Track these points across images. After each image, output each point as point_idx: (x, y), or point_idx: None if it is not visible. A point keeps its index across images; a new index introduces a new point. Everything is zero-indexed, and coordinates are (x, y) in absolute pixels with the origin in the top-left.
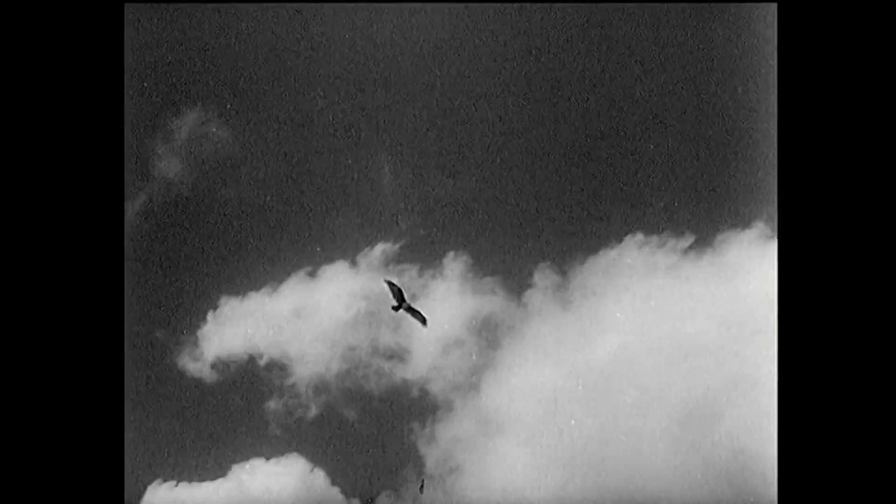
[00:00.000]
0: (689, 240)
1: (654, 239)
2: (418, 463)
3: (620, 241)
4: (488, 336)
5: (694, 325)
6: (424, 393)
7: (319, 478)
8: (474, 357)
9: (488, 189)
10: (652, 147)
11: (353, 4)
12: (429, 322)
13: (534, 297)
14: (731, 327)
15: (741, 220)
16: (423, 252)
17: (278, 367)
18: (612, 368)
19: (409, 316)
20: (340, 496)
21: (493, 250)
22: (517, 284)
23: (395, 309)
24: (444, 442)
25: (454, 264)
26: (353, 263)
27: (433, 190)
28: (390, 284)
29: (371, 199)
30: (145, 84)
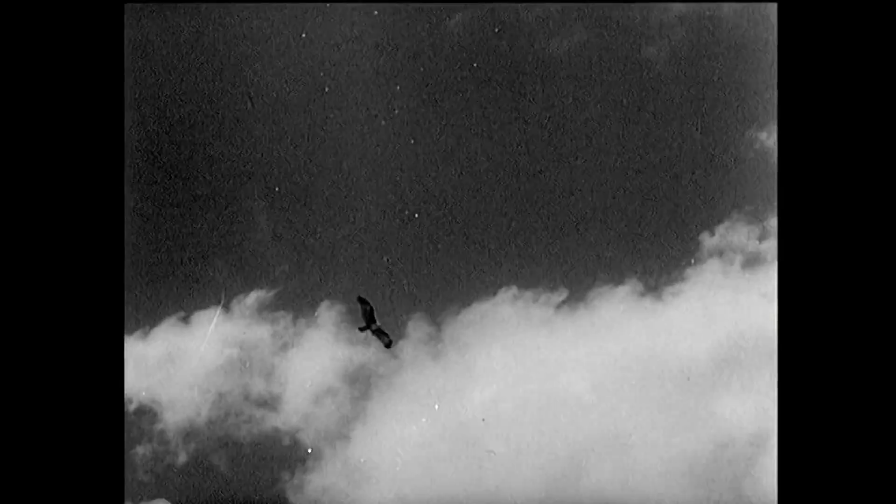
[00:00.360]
0: (562, 294)
1: (529, 293)
2: None
3: (495, 294)
4: (360, 386)
5: (564, 380)
6: (295, 442)
7: None
8: (346, 407)
9: (363, 238)
10: (528, 200)
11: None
12: (393, 345)
13: (406, 347)
14: (600, 383)
15: (614, 276)
16: (298, 300)
17: (148, 413)
18: (483, 421)
19: (282, 365)
20: None
21: (368, 300)
22: (391, 335)
23: (362, 330)
24: (312, 491)
25: (328, 313)
26: (227, 310)
27: (308, 238)
28: (362, 302)
29: (246, 245)
30: None
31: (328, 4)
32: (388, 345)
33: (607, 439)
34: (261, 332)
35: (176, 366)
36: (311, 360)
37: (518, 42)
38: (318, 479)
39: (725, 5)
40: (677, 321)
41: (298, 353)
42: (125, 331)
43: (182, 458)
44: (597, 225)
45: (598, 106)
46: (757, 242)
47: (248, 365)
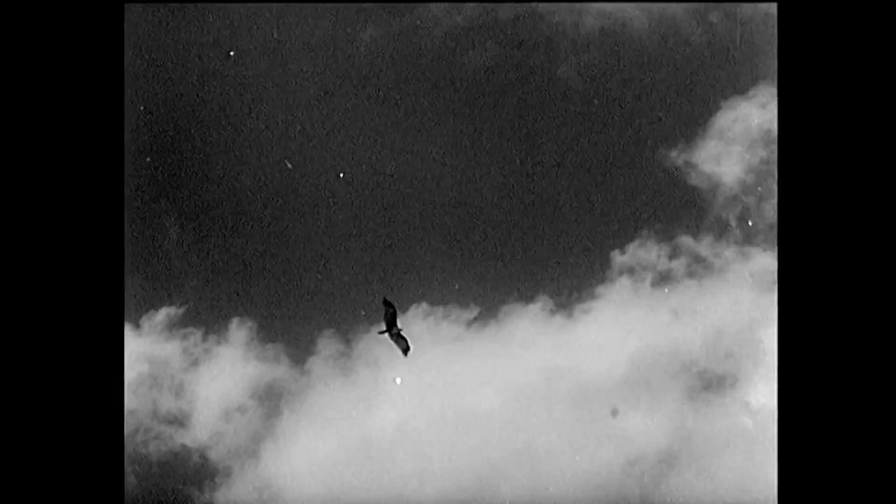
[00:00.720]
0: (473, 312)
1: (440, 310)
2: None
3: (405, 311)
4: (270, 403)
5: (476, 397)
6: (204, 459)
7: None
8: (256, 424)
9: (273, 254)
10: (439, 217)
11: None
12: (410, 353)
13: (316, 364)
14: (511, 399)
15: (525, 294)
16: (208, 317)
17: None
18: (394, 438)
19: (192, 381)
20: None
21: (278, 317)
22: (301, 351)
23: (381, 333)
24: None
25: (239, 330)
26: (137, 326)
27: (219, 254)
28: (387, 305)
29: (155, 261)
30: None
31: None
32: (405, 351)
33: (518, 455)
34: (170, 349)
35: None
36: (221, 377)
37: (430, 57)
38: (226, 496)
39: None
40: (588, 338)
41: (208, 369)
42: None
43: None
44: (508, 242)
45: (511, 123)
46: (667, 260)
47: (157, 381)
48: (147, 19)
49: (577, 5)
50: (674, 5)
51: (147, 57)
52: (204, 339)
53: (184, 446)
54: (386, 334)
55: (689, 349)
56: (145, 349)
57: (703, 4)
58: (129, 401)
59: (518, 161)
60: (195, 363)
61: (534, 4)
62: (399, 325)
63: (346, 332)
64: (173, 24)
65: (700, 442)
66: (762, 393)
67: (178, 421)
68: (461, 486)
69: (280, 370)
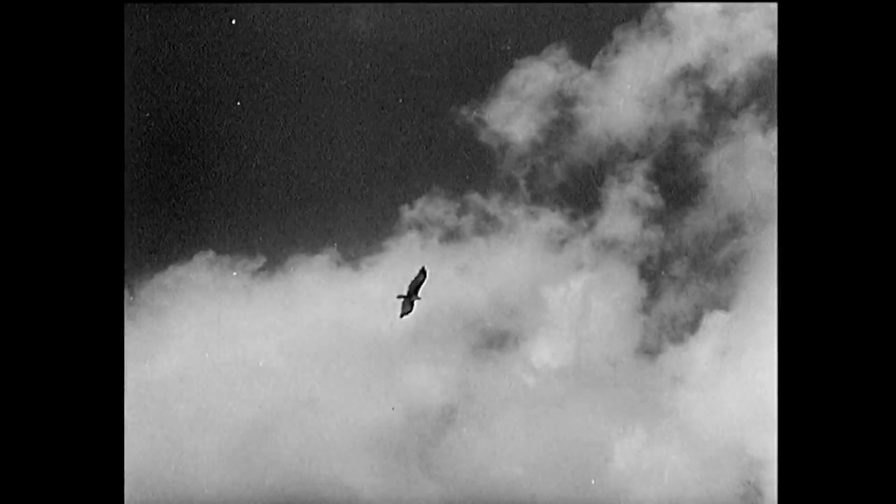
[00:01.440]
0: (260, 262)
1: (226, 259)
2: None
3: (191, 258)
4: None
5: (257, 347)
6: None
7: None
8: None
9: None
10: (225, 164)
11: None
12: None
13: None
14: (293, 351)
15: (312, 245)
16: None
17: None
18: (172, 386)
19: None
20: None
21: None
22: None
23: (400, 297)
24: None
25: None
26: None
27: None
28: (422, 273)
29: None
30: None
31: None
32: (403, 315)
33: (299, 407)
34: None
35: None
36: None
37: (209, 11)
38: None
39: None
40: (374, 292)
41: None
42: None
43: None
44: (296, 192)
45: (302, 75)
46: (455, 217)
47: None
48: (147, 19)
49: None
50: None
51: (147, 57)
52: None
53: None
54: (403, 298)
55: (474, 306)
56: None
57: None
58: None
59: (310, 112)
60: None
61: None
62: (419, 294)
63: (129, 278)
64: (173, 24)
65: (482, 399)
66: (544, 351)
67: None
68: (242, 436)
69: None
